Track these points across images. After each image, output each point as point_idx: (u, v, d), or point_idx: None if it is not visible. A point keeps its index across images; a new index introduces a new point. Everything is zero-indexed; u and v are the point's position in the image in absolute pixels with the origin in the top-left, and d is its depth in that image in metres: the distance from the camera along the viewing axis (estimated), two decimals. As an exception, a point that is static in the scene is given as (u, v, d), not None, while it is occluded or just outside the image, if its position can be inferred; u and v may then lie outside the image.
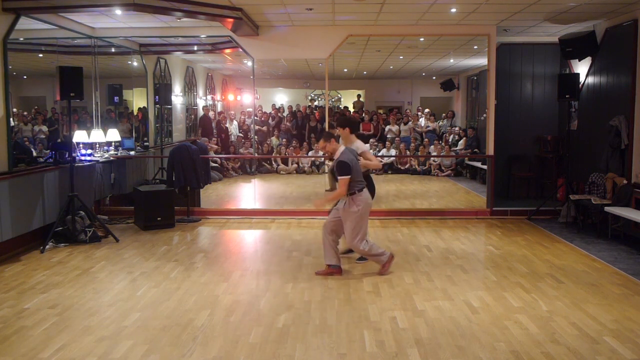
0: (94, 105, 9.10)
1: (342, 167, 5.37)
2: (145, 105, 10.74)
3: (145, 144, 10.58)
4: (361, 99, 17.60)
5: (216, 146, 13.36)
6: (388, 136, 14.98)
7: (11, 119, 6.82)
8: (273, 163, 14.37)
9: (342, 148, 5.57)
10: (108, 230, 7.34)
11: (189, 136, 13.09)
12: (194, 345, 4.01)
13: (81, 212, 7.21)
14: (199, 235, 7.78)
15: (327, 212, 6.24)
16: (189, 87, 13.21)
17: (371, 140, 14.48)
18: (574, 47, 8.75)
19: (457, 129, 15.09)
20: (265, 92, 17.05)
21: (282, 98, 17.71)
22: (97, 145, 9.03)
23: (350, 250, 6.19)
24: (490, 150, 9.09)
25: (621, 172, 7.71)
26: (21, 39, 7.65)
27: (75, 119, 9.00)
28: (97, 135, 8.80)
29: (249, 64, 9.93)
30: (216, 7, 7.32)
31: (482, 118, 11.52)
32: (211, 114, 14.23)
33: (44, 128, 8.94)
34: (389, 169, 14.31)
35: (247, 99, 16.25)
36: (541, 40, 9.85)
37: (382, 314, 4.62)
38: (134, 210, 8.46)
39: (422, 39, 10.07)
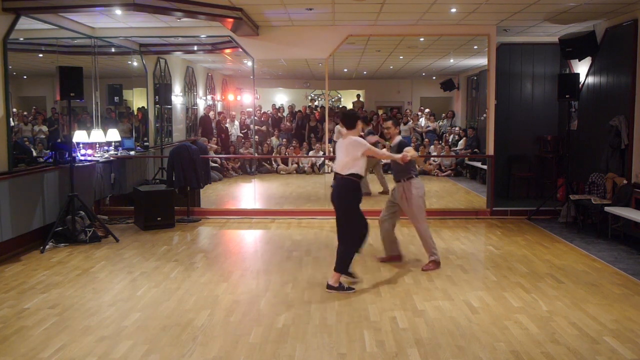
0: (94, 105, 9.10)
1: (403, 145, 5.86)
2: (145, 105, 10.74)
3: (145, 144, 10.58)
4: (361, 99, 17.61)
5: (216, 146, 13.36)
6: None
7: (11, 119, 6.82)
8: (273, 163, 14.38)
9: (399, 137, 6.10)
10: (108, 230, 7.34)
11: (189, 136, 13.09)
12: (194, 345, 4.02)
13: (81, 212, 7.21)
14: (199, 235, 7.78)
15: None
16: (189, 87, 13.21)
17: None
18: (574, 47, 8.75)
19: (457, 129, 15.10)
20: (265, 92, 17.05)
21: (282, 98, 17.71)
22: (97, 145, 9.03)
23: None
24: (490, 150, 9.09)
25: (621, 172, 7.71)
26: (21, 39, 7.65)
27: (76, 119, 9.00)
28: (97, 135, 8.80)
29: (249, 64, 9.94)
30: (216, 7, 7.32)
31: (482, 118, 11.52)
32: (211, 114, 14.25)
33: (44, 128, 8.93)
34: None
35: (247, 99, 16.25)
36: (541, 40, 9.85)
37: (382, 314, 4.62)
38: (134, 210, 8.46)
39: (422, 39, 10.07)
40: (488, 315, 4.60)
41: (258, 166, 14.10)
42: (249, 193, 11.73)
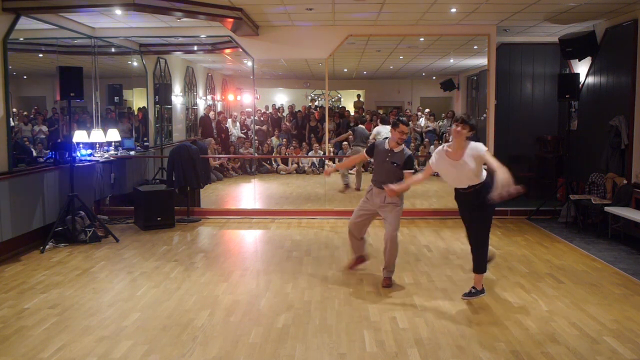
0: (94, 105, 9.10)
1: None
2: (145, 105, 10.74)
3: (145, 144, 10.58)
4: (361, 99, 17.60)
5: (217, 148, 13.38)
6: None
7: (11, 119, 6.82)
8: (273, 163, 14.37)
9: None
10: (108, 230, 7.34)
11: (189, 136, 13.09)
12: (194, 345, 4.02)
13: (81, 212, 7.21)
14: (199, 235, 7.78)
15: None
16: (189, 87, 13.21)
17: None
18: (574, 47, 8.75)
19: (457, 129, 15.06)
20: (265, 92, 17.03)
21: (282, 98, 17.70)
22: (97, 145, 9.03)
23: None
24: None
25: (621, 172, 7.71)
26: (21, 39, 7.65)
27: (75, 119, 9.00)
28: (97, 135, 8.80)
29: (249, 64, 9.93)
30: (216, 7, 7.32)
31: (482, 118, 11.51)
32: (211, 114, 14.25)
33: (44, 128, 8.94)
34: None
35: (247, 99, 16.24)
36: (541, 40, 9.85)
37: (382, 314, 4.62)
38: (134, 210, 8.45)
39: (422, 39, 10.06)
40: (488, 315, 4.60)
41: (258, 166, 14.09)
42: (249, 193, 11.72)
